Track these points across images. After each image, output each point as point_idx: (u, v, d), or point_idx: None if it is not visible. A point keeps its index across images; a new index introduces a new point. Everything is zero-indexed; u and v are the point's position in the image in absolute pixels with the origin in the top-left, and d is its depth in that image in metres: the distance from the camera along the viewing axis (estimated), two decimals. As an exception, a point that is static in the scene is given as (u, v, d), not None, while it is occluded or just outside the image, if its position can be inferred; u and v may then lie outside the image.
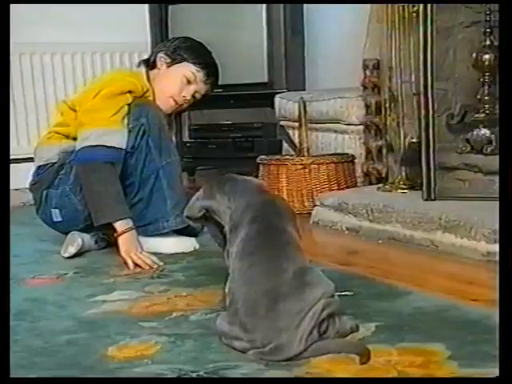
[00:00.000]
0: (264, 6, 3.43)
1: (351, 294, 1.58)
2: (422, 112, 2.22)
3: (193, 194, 1.54)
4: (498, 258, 1.60)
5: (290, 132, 3.20)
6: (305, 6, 3.62)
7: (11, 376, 1.14)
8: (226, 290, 1.32)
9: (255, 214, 1.36)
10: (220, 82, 2.35)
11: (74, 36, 3.65)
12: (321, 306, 1.22)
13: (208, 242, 1.82)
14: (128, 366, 1.22)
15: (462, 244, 1.94)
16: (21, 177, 2.58)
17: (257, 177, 2.73)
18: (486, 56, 2.17)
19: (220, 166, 3.61)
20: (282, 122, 3.32)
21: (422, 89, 2.23)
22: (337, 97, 2.88)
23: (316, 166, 2.68)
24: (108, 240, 2.17)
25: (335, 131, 2.93)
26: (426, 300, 1.52)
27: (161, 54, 2.28)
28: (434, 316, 1.42)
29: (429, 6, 2.18)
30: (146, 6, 3.74)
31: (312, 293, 1.22)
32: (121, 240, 2.01)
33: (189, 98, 2.28)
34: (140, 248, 2.01)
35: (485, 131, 2.18)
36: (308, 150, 2.83)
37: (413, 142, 2.41)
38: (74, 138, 2.13)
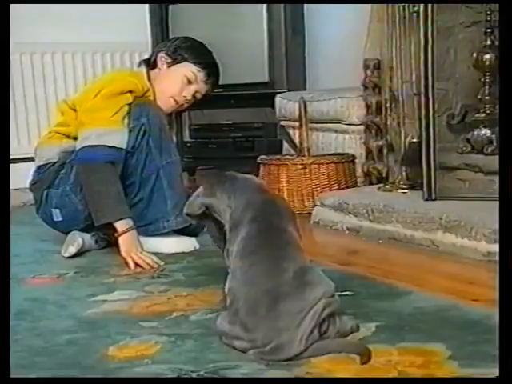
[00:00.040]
0: (264, 5, 3.43)
1: (351, 293, 1.58)
2: (423, 112, 2.22)
3: (193, 193, 1.54)
4: (498, 257, 1.60)
5: (291, 132, 3.19)
6: (305, 5, 3.61)
7: (11, 376, 1.14)
8: (226, 289, 1.32)
9: (256, 213, 1.36)
10: (220, 82, 2.35)
11: (74, 36, 3.65)
12: (321, 305, 1.22)
13: (208, 242, 1.81)
14: (128, 365, 1.22)
15: (462, 244, 1.94)
16: (21, 176, 2.58)
17: (257, 177, 2.72)
18: (487, 56, 2.17)
19: (220, 165, 3.59)
20: (282, 122, 3.32)
21: (422, 89, 2.23)
22: (337, 97, 2.87)
23: (316, 165, 2.68)
24: (108, 240, 2.17)
25: (336, 131, 2.93)
26: (426, 300, 1.52)
27: (161, 54, 2.28)
28: (434, 316, 1.42)
29: (429, 5, 2.17)
30: (147, 5, 3.74)
31: (312, 292, 1.22)
32: (121, 240, 2.01)
33: (189, 97, 2.28)
34: (140, 248, 2.01)
35: (485, 131, 2.18)
36: (308, 150, 2.83)
37: (413, 142, 2.41)
38: (75, 138, 2.13)
